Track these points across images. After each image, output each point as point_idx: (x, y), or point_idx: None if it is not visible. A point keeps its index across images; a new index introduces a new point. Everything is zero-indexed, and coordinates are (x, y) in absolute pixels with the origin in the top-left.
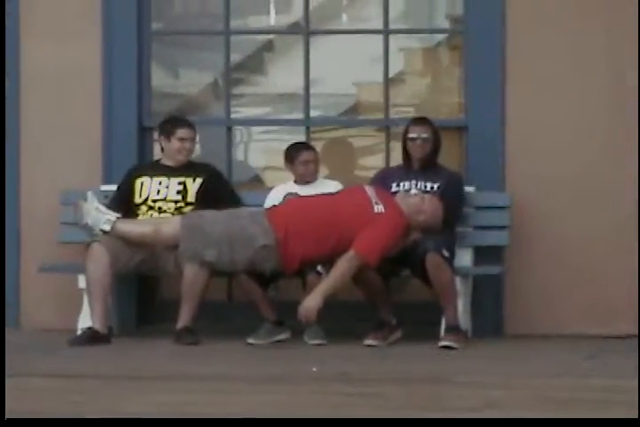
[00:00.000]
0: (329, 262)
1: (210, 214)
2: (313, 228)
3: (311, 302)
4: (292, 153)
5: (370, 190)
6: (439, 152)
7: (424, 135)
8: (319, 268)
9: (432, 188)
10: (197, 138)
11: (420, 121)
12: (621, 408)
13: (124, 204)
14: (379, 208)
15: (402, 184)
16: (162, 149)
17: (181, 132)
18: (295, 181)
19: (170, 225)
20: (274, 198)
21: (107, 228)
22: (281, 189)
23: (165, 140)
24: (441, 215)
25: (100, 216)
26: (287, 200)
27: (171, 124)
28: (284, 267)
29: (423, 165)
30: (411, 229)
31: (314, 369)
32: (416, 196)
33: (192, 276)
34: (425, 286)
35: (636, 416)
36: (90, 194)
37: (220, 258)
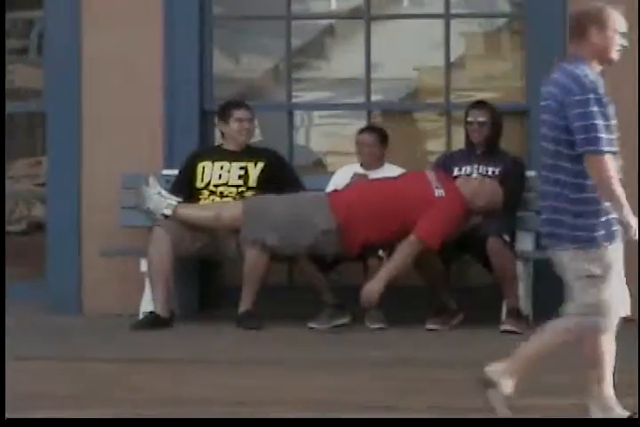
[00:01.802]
0: (390, 247)
1: (271, 199)
2: (374, 212)
3: (373, 287)
4: (356, 135)
5: (430, 175)
6: (500, 136)
7: (481, 119)
8: (380, 252)
9: (493, 172)
10: (256, 121)
11: (479, 105)
12: None
13: (186, 188)
14: (439, 192)
15: (463, 168)
16: (222, 135)
17: (238, 113)
18: (361, 165)
19: (231, 209)
20: (339, 179)
21: (168, 212)
22: (347, 169)
23: (224, 123)
24: (501, 199)
25: (162, 201)
26: (349, 185)
27: (227, 108)
28: (345, 251)
29: (484, 149)
30: (471, 213)
31: None
32: (476, 180)
33: (253, 260)
34: (486, 271)
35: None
36: (152, 179)
37: (281, 242)
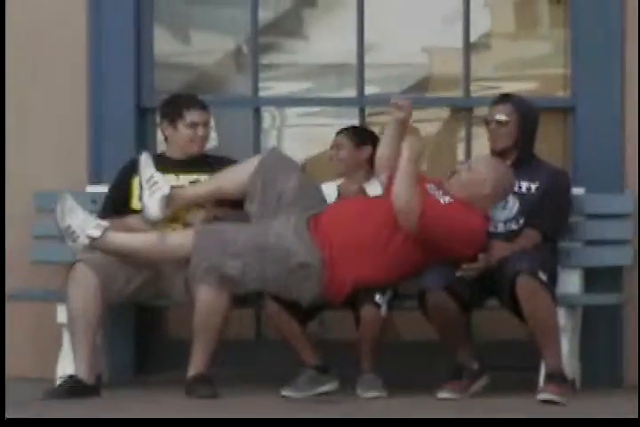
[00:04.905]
0: (391, 287)
1: (234, 224)
2: (370, 240)
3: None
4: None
5: (429, 187)
6: (533, 141)
7: (501, 117)
8: (377, 297)
9: (529, 189)
10: (213, 123)
11: (501, 99)
12: None
13: (119, 210)
14: (445, 200)
15: None
16: (165, 139)
17: (192, 116)
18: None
19: (179, 234)
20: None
21: (95, 234)
22: (335, 184)
23: (170, 127)
24: (506, 173)
25: (89, 218)
26: (333, 204)
27: (176, 106)
28: (330, 294)
29: (515, 158)
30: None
31: None
32: (459, 170)
33: (208, 302)
34: (517, 320)
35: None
36: (66, 195)
37: (244, 273)
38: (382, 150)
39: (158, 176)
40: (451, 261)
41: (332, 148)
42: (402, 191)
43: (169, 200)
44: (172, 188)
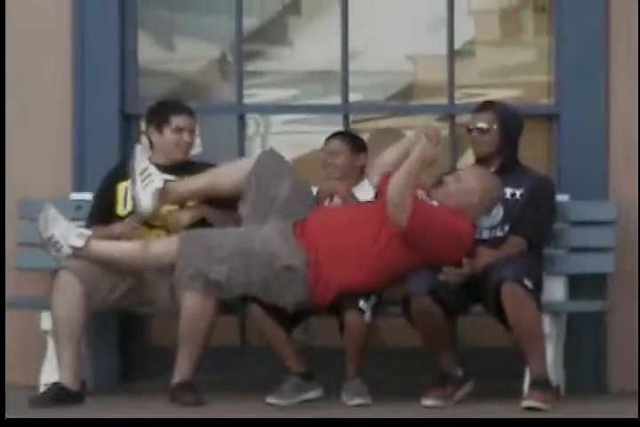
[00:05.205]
0: (376, 293)
1: (218, 229)
2: (356, 245)
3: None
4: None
5: (420, 193)
6: (517, 148)
7: (482, 125)
8: (361, 303)
9: (513, 195)
10: (198, 130)
11: (482, 107)
12: None
13: (105, 217)
14: (434, 204)
15: None
16: (150, 145)
17: (178, 121)
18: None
19: (163, 241)
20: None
21: (78, 243)
22: (319, 190)
23: (156, 132)
24: (494, 183)
25: (72, 227)
26: (321, 210)
27: (163, 112)
28: (314, 299)
29: (499, 165)
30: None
31: None
32: (447, 179)
33: (194, 308)
34: (502, 327)
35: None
36: (49, 205)
37: (230, 278)
38: (388, 157)
39: (152, 169)
40: (437, 267)
41: (324, 152)
42: (398, 185)
43: (162, 194)
44: (166, 181)
